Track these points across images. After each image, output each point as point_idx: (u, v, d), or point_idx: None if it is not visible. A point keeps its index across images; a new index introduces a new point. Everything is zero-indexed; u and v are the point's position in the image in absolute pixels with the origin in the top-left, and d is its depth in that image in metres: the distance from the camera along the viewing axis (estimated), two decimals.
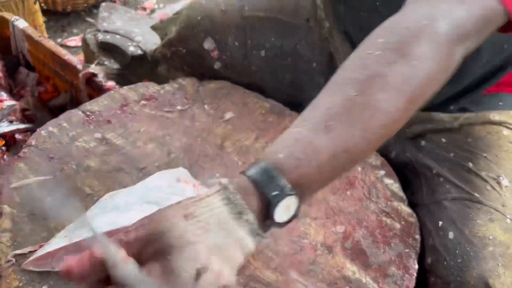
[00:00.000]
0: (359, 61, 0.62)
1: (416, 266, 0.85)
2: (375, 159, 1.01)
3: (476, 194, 0.89)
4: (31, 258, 0.78)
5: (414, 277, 0.84)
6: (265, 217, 0.56)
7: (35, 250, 0.80)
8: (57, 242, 0.77)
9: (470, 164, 0.93)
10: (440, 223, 0.89)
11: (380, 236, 0.89)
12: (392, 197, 0.95)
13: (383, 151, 1.05)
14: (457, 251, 0.84)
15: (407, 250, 0.87)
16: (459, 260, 0.83)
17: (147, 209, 0.78)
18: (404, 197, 0.96)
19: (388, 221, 0.91)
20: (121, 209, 0.79)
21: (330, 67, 1.12)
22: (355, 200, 0.94)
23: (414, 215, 0.93)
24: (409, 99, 0.60)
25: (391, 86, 0.58)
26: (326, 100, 0.61)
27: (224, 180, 0.56)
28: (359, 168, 0.99)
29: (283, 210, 0.55)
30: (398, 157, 1.03)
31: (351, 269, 0.84)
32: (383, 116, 0.59)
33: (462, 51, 0.64)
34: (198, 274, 0.50)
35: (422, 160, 0.99)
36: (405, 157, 1.02)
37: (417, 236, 0.89)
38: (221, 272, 0.52)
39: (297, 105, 1.13)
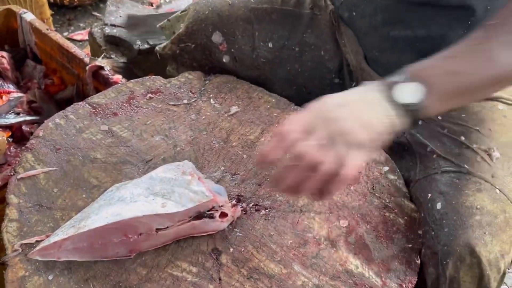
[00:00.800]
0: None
1: (419, 261, 0.86)
2: (379, 155, 1.02)
3: (466, 166, 0.90)
4: (37, 248, 0.79)
5: (416, 272, 0.84)
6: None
7: (41, 240, 0.81)
8: (64, 232, 0.78)
9: (462, 138, 0.94)
10: (429, 195, 0.90)
11: (383, 231, 0.89)
12: (395, 192, 0.95)
13: None
14: (444, 221, 0.85)
15: (410, 245, 0.87)
16: (445, 230, 0.84)
17: (153, 201, 0.79)
18: (408, 192, 0.96)
19: (392, 216, 0.92)
20: (127, 201, 0.80)
21: (338, 53, 1.13)
22: (359, 195, 0.94)
23: (417, 210, 0.93)
24: None
25: None
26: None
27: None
28: (363, 164, 0.99)
29: (407, 92, 0.70)
30: (397, 139, 1.04)
31: (354, 263, 0.84)
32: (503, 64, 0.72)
33: None
34: (340, 105, 0.71)
35: (418, 139, 1.00)
36: (404, 138, 1.03)
37: (420, 232, 0.90)
38: (361, 109, 0.71)
39: (308, 93, 1.15)
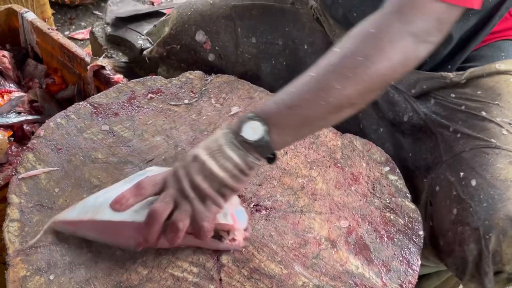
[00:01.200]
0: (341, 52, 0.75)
1: (419, 262, 0.86)
2: (380, 155, 1.02)
3: (493, 140, 0.91)
4: (60, 219, 0.81)
5: (417, 272, 0.85)
6: (241, 136, 0.74)
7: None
8: (83, 211, 0.80)
9: (483, 113, 0.94)
10: (462, 173, 0.90)
11: (384, 232, 0.89)
12: (396, 193, 0.96)
13: (395, 117, 1.07)
14: (481, 196, 0.86)
15: (410, 246, 0.88)
16: (484, 205, 0.85)
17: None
18: (408, 193, 0.96)
19: (392, 216, 0.92)
20: (149, 201, 0.78)
21: (322, 47, 1.14)
22: (360, 196, 0.94)
23: (418, 211, 0.93)
24: (366, 87, 0.74)
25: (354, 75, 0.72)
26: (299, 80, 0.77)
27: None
28: (364, 164, 1.00)
29: (250, 129, 0.74)
30: (411, 120, 1.05)
31: (355, 264, 0.84)
32: (336, 95, 0.73)
33: (425, 48, 0.74)
34: (193, 158, 0.74)
35: (436, 120, 1.00)
36: (419, 119, 1.03)
37: (421, 232, 0.90)
38: (205, 161, 0.74)
39: None
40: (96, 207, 0.79)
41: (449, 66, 1.02)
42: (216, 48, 1.17)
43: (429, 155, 1.01)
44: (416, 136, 1.04)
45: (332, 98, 0.73)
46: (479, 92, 0.97)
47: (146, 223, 0.74)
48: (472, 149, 0.92)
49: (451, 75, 0.99)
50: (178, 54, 1.21)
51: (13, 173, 0.92)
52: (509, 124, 0.92)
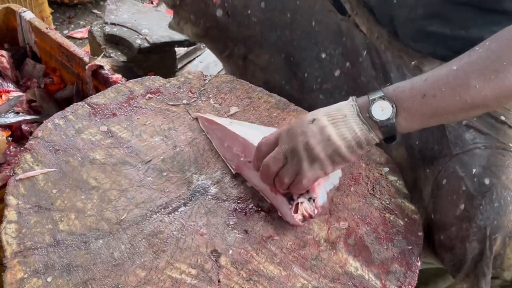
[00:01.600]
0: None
1: (419, 263, 0.86)
2: (380, 156, 1.01)
3: (510, 144, 0.91)
4: (206, 115, 0.94)
5: (416, 274, 0.84)
6: (369, 113, 0.78)
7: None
8: (220, 119, 0.96)
9: (503, 118, 0.94)
10: (474, 170, 0.89)
11: (383, 233, 0.89)
12: (396, 194, 0.95)
13: None
14: (494, 196, 0.85)
15: (410, 247, 0.87)
16: (495, 205, 0.84)
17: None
18: (408, 194, 0.96)
19: (392, 217, 0.91)
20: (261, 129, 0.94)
21: (330, 28, 1.13)
22: (359, 197, 0.94)
23: (418, 212, 0.93)
24: (505, 92, 0.76)
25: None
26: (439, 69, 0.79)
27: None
28: (363, 165, 0.99)
29: (379, 108, 0.77)
30: None
31: (354, 265, 0.84)
32: (473, 94, 0.75)
33: None
34: (311, 121, 0.78)
35: None
36: None
37: (420, 233, 0.90)
38: (326, 126, 0.77)
39: (295, 64, 1.14)
40: (234, 122, 0.94)
41: None
42: (225, 4, 1.15)
43: (436, 145, 0.99)
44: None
45: (469, 96, 0.75)
46: None
47: (261, 174, 0.83)
48: (488, 148, 0.92)
49: None
50: (189, 5, 1.20)
51: (11, 174, 0.91)
52: None
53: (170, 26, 1.27)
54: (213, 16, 1.17)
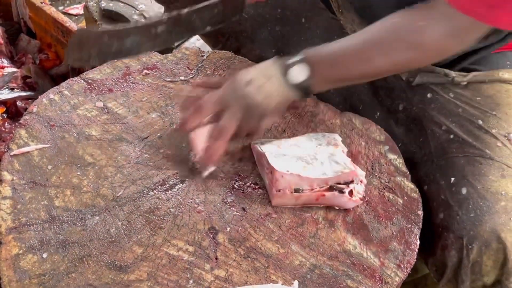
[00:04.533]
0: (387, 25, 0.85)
1: (418, 242, 0.85)
2: (379, 134, 1.00)
3: (487, 151, 0.91)
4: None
5: (415, 252, 0.84)
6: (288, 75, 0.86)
7: None
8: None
9: (480, 122, 0.94)
10: (453, 179, 0.90)
11: (382, 211, 0.88)
12: (395, 172, 0.94)
13: (392, 103, 1.06)
14: (470, 206, 0.86)
15: (409, 226, 0.87)
16: (472, 215, 0.85)
17: (296, 163, 0.85)
18: (408, 172, 0.95)
19: (391, 196, 0.90)
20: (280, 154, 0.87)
21: (320, 25, 1.12)
22: None
23: (417, 190, 0.92)
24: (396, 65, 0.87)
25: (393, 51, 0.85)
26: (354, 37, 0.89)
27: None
28: (363, 143, 0.98)
29: (297, 72, 0.85)
30: (405, 111, 1.04)
31: (352, 243, 0.83)
32: (375, 66, 0.86)
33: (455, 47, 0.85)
34: (246, 84, 0.86)
35: (430, 115, 0.99)
36: (413, 111, 1.03)
37: (420, 212, 0.89)
38: (263, 85, 0.85)
39: None
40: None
41: (454, 66, 1.01)
42: None
43: (419, 150, 1.00)
44: (408, 127, 1.03)
45: (370, 69, 0.86)
46: (478, 98, 0.96)
47: (214, 137, 0.86)
48: (466, 156, 0.92)
49: (453, 73, 0.99)
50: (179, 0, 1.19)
51: (6, 150, 0.90)
52: (505, 136, 0.92)
53: None
54: None
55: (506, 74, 0.97)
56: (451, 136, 0.95)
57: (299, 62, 0.85)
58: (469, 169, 0.90)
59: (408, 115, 1.03)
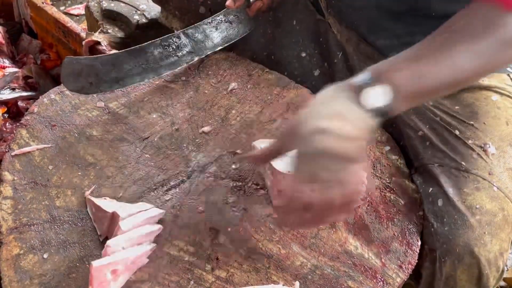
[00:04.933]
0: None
1: (419, 243, 0.85)
2: (381, 135, 1.00)
3: (463, 163, 0.89)
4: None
5: (416, 253, 0.84)
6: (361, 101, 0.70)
7: None
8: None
9: (457, 132, 0.92)
10: (430, 189, 0.89)
11: (384, 212, 0.88)
12: (397, 173, 0.94)
13: None
14: (445, 219, 0.85)
15: (410, 226, 0.86)
16: (446, 228, 0.84)
17: None
18: (408, 173, 0.94)
19: (392, 197, 0.90)
20: None
21: (309, 28, 1.12)
22: None
23: (418, 191, 0.92)
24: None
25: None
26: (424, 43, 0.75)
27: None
28: None
29: (373, 96, 0.69)
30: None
31: (354, 244, 0.83)
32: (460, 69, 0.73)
33: None
34: (315, 132, 0.66)
35: (407, 119, 0.97)
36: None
37: (421, 213, 0.89)
38: (342, 127, 0.67)
39: (276, 63, 1.14)
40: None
41: None
42: (208, 2, 1.15)
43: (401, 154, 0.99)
44: (388, 131, 1.02)
45: (459, 73, 0.73)
46: (457, 107, 0.94)
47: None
48: (441, 166, 0.90)
49: None
50: (175, 1, 1.19)
51: (7, 150, 0.90)
52: (481, 147, 0.90)
53: (160, 20, 1.27)
54: (197, 13, 1.17)
55: (486, 81, 0.95)
56: (427, 143, 0.94)
57: (374, 83, 0.70)
58: (445, 180, 0.88)
59: (387, 120, 1.01)
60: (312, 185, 0.67)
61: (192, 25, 1.07)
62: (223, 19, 1.07)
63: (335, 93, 0.71)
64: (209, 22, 1.06)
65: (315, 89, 1.09)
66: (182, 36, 1.03)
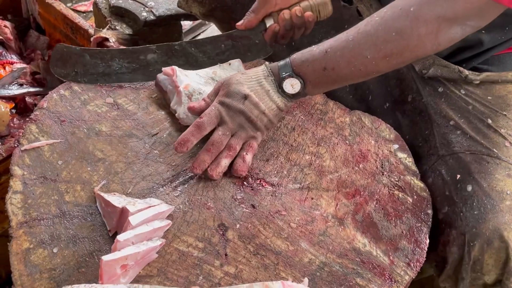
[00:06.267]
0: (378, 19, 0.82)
1: (427, 241, 0.85)
2: (389, 133, 1.00)
3: (495, 150, 0.91)
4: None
5: (425, 251, 0.84)
6: (282, 88, 0.89)
7: None
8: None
9: (489, 121, 0.94)
10: (458, 176, 0.90)
11: (392, 210, 0.88)
12: (405, 171, 0.94)
13: (401, 94, 1.06)
14: (474, 204, 0.86)
15: (418, 225, 0.86)
16: (475, 212, 0.85)
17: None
18: (417, 171, 0.95)
19: (401, 195, 0.90)
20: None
21: (333, 16, 1.12)
22: (368, 173, 0.93)
23: (427, 189, 0.92)
24: (395, 61, 0.82)
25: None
26: (336, 38, 0.87)
27: (266, 63, 0.93)
28: (372, 141, 0.98)
29: (290, 86, 0.88)
30: (414, 102, 1.04)
31: (362, 242, 0.83)
32: (367, 64, 0.82)
33: (462, 30, 0.78)
34: (244, 97, 0.88)
35: (439, 108, 0.99)
36: (421, 103, 1.03)
37: (429, 211, 0.89)
38: (258, 102, 0.88)
39: (295, 49, 1.13)
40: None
41: (464, 65, 1.01)
42: None
43: (424, 143, 1.01)
44: (414, 120, 1.03)
45: (363, 66, 0.82)
46: (489, 97, 0.97)
47: (205, 149, 0.87)
48: (473, 154, 0.92)
49: (467, 72, 0.98)
50: None
51: (16, 145, 0.90)
52: None
53: (179, 4, 1.26)
54: None
55: None
56: (458, 132, 0.95)
57: (289, 75, 0.87)
58: (475, 167, 0.90)
59: (416, 107, 1.03)
60: (225, 130, 0.88)
61: (193, 39, 1.08)
62: (230, 44, 1.06)
63: (263, 76, 0.90)
64: (211, 42, 1.06)
65: None
66: (177, 47, 1.03)
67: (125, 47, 1.01)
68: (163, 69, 0.98)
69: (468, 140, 0.94)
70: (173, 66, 0.97)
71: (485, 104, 0.96)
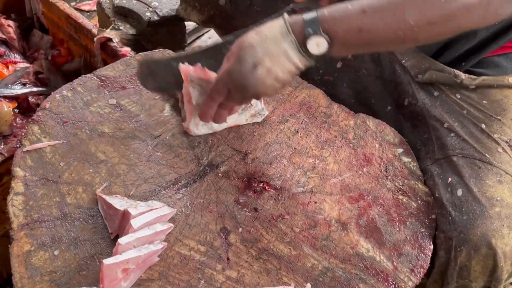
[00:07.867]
0: None
1: (431, 246, 0.84)
2: (393, 137, 0.99)
3: (487, 155, 0.90)
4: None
5: (429, 257, 0.83)
6: (305, 47, 0.77)
7: None
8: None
9: (483, 125, 0.94)
10: (450, 179, 0.90)
11: (396, 215, 0.87)
12: (409, 175, 0.93)
13: (398, 98, 1.06)
14: (463, 208, 0.85)
15: (423, 230, 0.86)
16: (464, 217, 0.84)
17: None
18: (422, 175, 0.94)
19: (405, 199, 0.90)
20: None
21: None
22: (372, 178, 0.92)
23: (431, 194, 0.91)
24: (437, 28, 0.75)
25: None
26: None
27: (285, 15, 0.79)
28: (377, 145, 0.97)
29: (315, 45, 0.76)
30: (410, 106, 1.04)
31: (365, 247, 0.82)
32: (407, 29, 0.74)
33: (507, 8, 0.74)
34: (254, 66, 0.77)
35: (433, 111, 0.99)
36: (417, 107, 1.02)
37: (433, 216, 0.88)
38: (271, 68, 0.77)
39: None
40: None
41: (463, 63, 1.00)
42: None
43: (423, 147, 1.00)
44: (414, 123, 1.03)
45: (402, 32, 0.75)
46: (485, 101, 0.96)
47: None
48: (465, 157, 0.91)
49: (463, 76, 0.97)
50: None
51: (18, 146, 0.90)
52: (506, 142, 0.92)
53: (178, 12, 1.27)
54: (217, 5, 1.17)
55: None
56: (452, 134, 0.95)
57: (316, 33, 0.76)
58: (467, 171, 0.89)
59: (412, 110, 1.03)
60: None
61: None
62: None
63: (281, 34, 0.78)
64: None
65: (337, 82, 1.09)
66: None
67: (205, 46, 0.98)
68: (182, 67, 0.92)
69: (461, 143, 0.93)
70: (198, 65, 0.92)
71: (479, 109, 0.95)
